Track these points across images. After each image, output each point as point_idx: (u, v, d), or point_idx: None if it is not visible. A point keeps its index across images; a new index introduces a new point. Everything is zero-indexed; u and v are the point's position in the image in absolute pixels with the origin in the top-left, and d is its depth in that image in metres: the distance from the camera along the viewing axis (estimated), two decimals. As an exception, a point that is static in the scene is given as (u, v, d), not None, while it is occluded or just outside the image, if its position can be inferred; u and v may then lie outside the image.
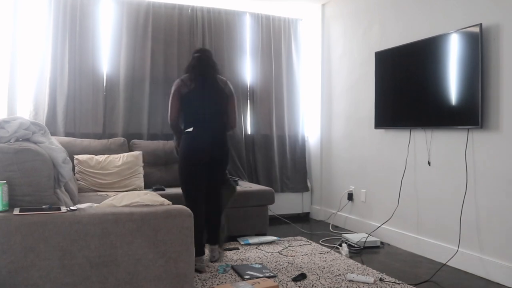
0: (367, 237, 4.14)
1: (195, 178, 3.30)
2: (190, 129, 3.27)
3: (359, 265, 3.52)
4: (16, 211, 2.00)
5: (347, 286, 3.02)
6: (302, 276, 3.16)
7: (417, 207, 3.97)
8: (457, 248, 3.52)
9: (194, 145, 3.25)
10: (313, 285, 3.03)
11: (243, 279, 3.11)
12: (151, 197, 2.36)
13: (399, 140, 4.20)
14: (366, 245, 4.08)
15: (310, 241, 4.27)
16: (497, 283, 3.17)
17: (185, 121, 3.33)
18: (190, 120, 3.30)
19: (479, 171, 3.36)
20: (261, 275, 3.16)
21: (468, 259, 3.42)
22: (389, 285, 3.07)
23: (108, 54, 4.81)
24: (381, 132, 4.45)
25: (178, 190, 4.25)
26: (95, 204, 2.35)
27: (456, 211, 3.55)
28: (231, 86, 3.49)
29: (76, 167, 4.15)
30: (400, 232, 4.14)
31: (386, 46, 4.32)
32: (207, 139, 3.28)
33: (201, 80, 3.34)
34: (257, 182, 5.33)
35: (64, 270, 2.01)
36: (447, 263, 3.58)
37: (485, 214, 3.31)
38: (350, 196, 4.94)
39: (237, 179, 4.78)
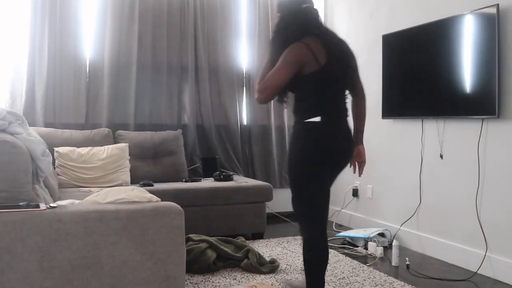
0: (393, 238, 4.14)
1: (323, 188, 2.54)
2: (319, 119, 2.48)
3: (365, 267, 3.53)
4: (-9, 209, 2.00)
5: (351, 290, 3.04)
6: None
7: (429, 205, 3.98)
8: (467, 248, 3.54)
9: (331, 143, 2.52)
10: (314, 289, 3.04)
11: None
12: (138, 193, 2.36)
13: (408, 131, 4.19)
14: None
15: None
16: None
17: (314, 107, 2.50)
18: (324, 108, 2.51)
19: (496, 164, 3.36)
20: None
21: (479, 261, 3.44)
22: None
23: (91, 38, 4.78)
24: (389, 122, 4.44)
25: (167, 186, 4.26)
26: (77, 201, 2.34)
27: (473, 209, 3.56)
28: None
29: (56, 161, 4.14)
30: (406, 230, 4.16)
31: (394, 29, 4.30)
32: (340, 138, 2.55)
33: (335, 54, 2.53)
34: (254, 177, 5.32)
35: (44, 273, 2.00)
36: (455, 263, 3.61)
37: (506, 213, 3.32)
38: (355, 192, 4.95)
39: (231, 173, 4.79)
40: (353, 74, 2.62)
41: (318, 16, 2.67)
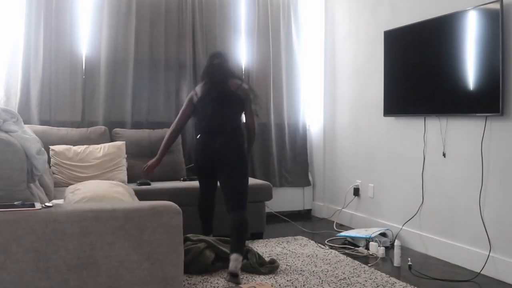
0: (394, 238, 4.13)
1: (202, 180, 3.84)
2: (198, 136, 3.71)
3: (366, 268, 3.53)
4: (-15, 208, 1.99)
5: (352, 290, 3.03)
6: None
7: (432, 204, 3.98)
8: (470, 248, 3.54)
9: (200, 152, 3.65)
10: (315, 289, 3.04)
11: None
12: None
13: (410, 129, 4.19)
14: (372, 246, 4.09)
15: (311, 240, 4.28)
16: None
17: (196, 128, 3.83)
18: (199, 128, 3.71)
19: (499, 162, 3.36)
20: None
21: (482, 261, 3.44)
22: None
23: (87, 34, 4.76)
24: (390, 120, 4.44)
25: (165, 185, 4.26)
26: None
27: (476, 208, 3.56)
28: (246, 87, 3.69)
29: (52, 159, 4.13)
30: (408, 230, 4.15)
31: (396, 25, 4.30)
32: (212, 145, 3.55)
33: (208, 87, 3.65)
34: (253, 176, 5.31)
35: (39, 274, 2.00)
36: (458, 264, 3.60)
37: (510, 212, 3.32)
38: (356, 191, 4.95)
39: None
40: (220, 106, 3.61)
41: (216, 66, 3.67)
